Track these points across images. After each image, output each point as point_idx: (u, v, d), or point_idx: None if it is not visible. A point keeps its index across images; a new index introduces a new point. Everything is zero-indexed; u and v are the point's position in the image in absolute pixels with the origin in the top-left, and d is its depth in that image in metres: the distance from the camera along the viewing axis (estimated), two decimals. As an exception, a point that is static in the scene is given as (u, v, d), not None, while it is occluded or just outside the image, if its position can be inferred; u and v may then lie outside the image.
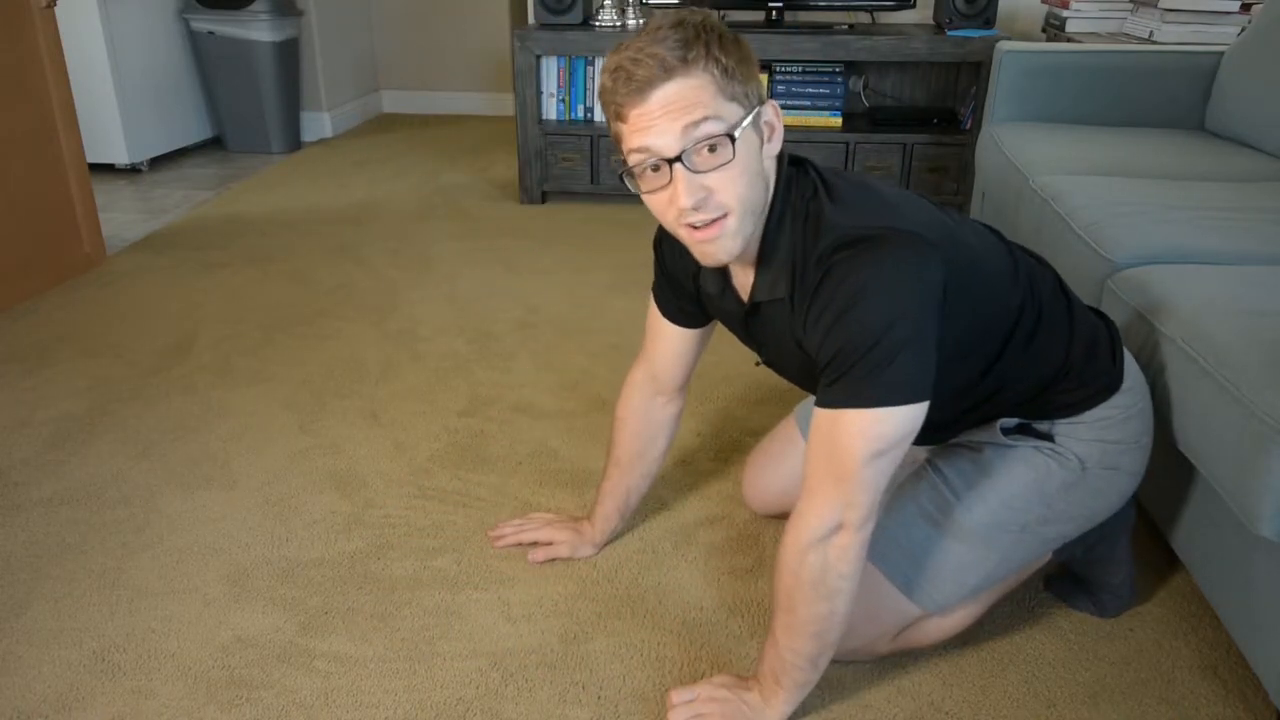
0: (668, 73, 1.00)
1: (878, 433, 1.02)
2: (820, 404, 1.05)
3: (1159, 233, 1.60)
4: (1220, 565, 1.24)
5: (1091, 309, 1.28)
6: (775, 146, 1.09)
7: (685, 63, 1.00)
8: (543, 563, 1.48)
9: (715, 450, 1.80)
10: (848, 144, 3.18)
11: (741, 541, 1.54)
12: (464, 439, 1.85)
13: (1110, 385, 1.21)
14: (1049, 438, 1.23)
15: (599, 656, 1.30)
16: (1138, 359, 1.39)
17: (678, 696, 1.20)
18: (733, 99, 1.03)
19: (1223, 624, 1.27)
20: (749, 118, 1.04)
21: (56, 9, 2.62)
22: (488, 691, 1.24)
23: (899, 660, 1.29)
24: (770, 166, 1.09)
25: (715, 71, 1.01)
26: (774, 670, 1.15)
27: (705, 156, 1.02)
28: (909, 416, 1.02)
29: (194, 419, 1.92)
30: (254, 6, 3.80)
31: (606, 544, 1.52)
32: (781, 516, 1.56)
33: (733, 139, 1.01)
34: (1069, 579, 1.39)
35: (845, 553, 1.06)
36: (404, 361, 2.17)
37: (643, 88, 1.01)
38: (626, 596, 1.41)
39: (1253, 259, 1.52)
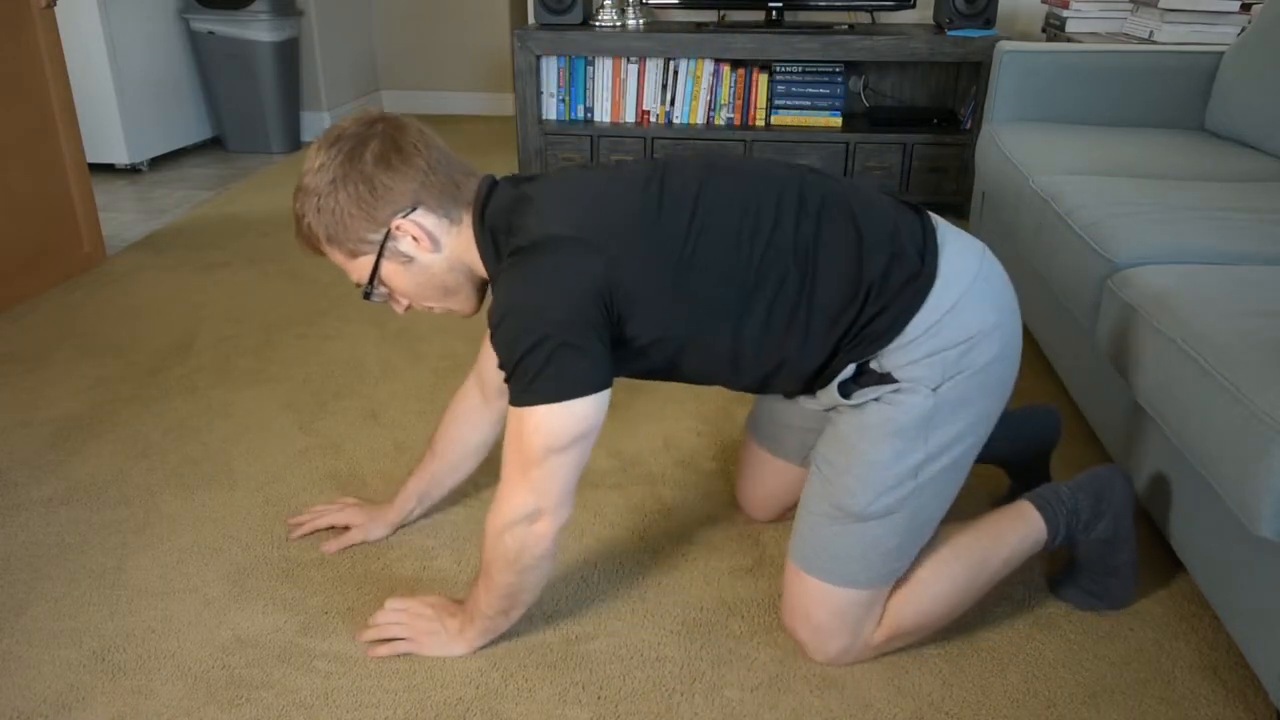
0: (312, 252, 1.23)
1: (551, 428, 1.11)
2: (509, 401, 1.14)
3: (1159, 233, 1.60)
4: (1220, 565, 1.24)
5: (905, 203, 1.21)
6: (431, 245, 1.19)
7: (313, 250, 1.21)
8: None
9: (715, 450, 1.80)
10: (848, 144, 3.18)
11: (741, 541, 1.54)
12: (464, 439, 1.84)
13: (920, 290, 1.13)
14: (889, 378, 1.16)
15: (599, 656, 1.30)
16: (1137, 358, 1.39)
17: (390, 603, 1.33)
18: (357, 254, 1.19)
19: (1223, 624, 1.27)
20: (377, 263, 1.19)
21: (56, 9, 2.62)
22: (488, 691, 1.24)
23: (899, 660, 1.29)
24: (447, 253, 1.20)
25: (327, 246, 1.19)
26: (470, 613, 1.28)
27: None
28: (580, 411, 1.11)
29: (194, 419, 1.92)
30: (254, 6, 3.80)
31: (402, 527, 1.56)
32: (779, 520, 1.56)
33: (369, 295, 1.21)
34: (1070, 578, 1.39)
35: (542, 539, 1.17)
36: (404, 361, 2.17)
37: None
38: (626, 596, 1.41)
39: (1253, 259, 1.52)
